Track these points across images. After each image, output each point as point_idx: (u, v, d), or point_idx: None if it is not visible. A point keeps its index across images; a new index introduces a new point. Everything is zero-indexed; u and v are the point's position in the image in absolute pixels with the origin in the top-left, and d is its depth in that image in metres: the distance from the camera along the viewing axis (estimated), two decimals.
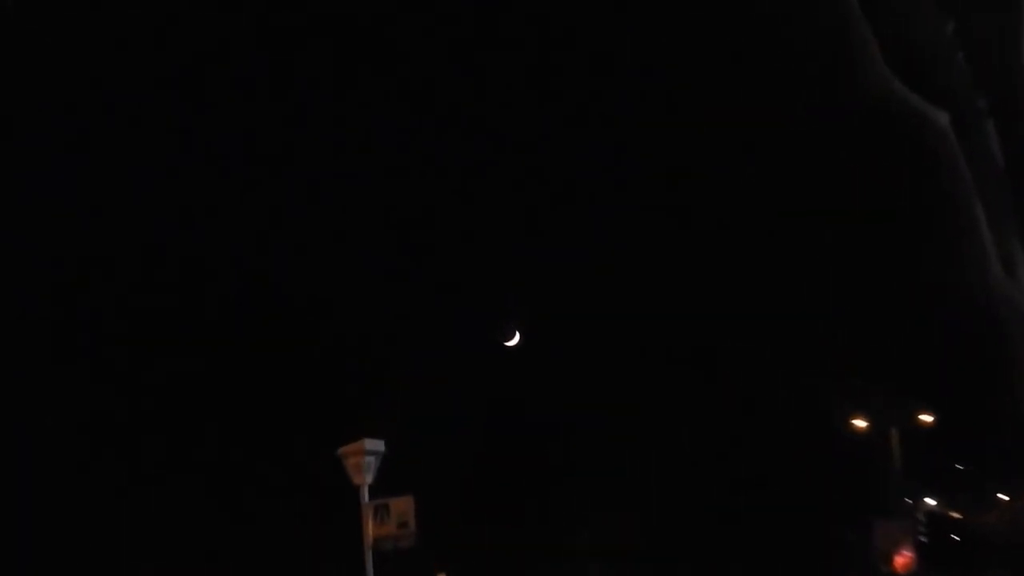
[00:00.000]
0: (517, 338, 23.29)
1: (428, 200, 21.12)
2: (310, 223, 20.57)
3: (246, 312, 20.27)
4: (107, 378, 19.69)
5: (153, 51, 19.65)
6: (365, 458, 14.33)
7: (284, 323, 20.43)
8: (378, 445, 14.54)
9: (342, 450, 14.60)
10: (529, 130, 21.03)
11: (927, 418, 26.35)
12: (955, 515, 29.99)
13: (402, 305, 21.02)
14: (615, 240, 22.36)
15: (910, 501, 28.27)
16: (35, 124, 19.22)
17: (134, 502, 19.35)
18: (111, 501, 19.22)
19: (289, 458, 19.55)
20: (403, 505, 14.27)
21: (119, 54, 19.29)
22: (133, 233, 19.68)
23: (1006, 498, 29.15)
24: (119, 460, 19.66)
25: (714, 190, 21.99)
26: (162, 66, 19.70)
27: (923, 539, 27.31)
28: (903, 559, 25.14)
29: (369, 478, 14.41)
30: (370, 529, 14.30)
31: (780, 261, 22.74)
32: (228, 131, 19.87)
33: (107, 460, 19.59)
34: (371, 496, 14.45)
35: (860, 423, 27.30)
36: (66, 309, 19.63)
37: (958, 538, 29.62)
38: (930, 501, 29.45)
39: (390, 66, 20.17)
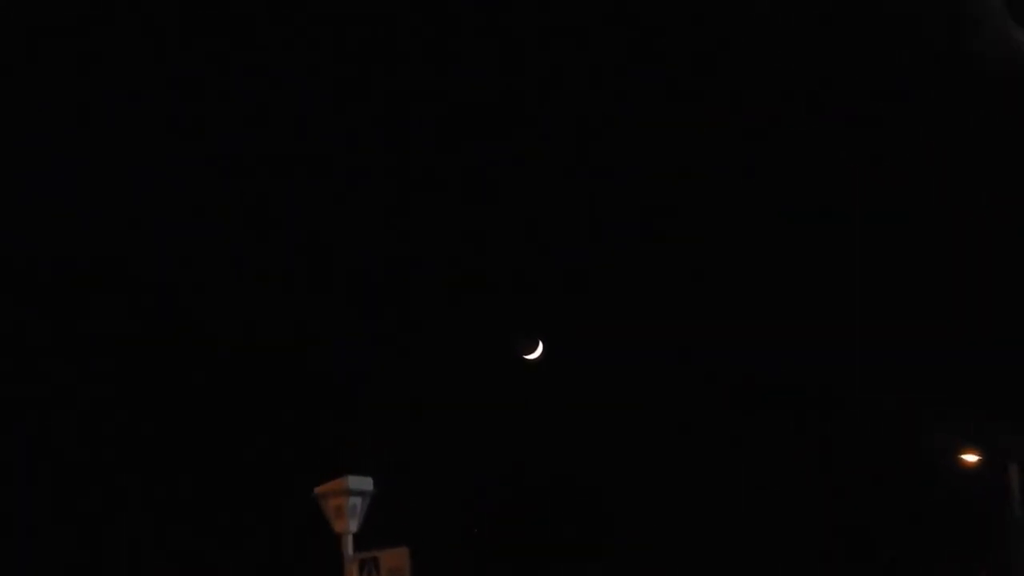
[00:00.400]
0: (540, 350, 21.59)
1: (436, 200, 20.43)
2: (306, 227, 19.89)
3: (228, 317, 19.50)
4: (71, 399, 19.46)
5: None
6: (349, 499, 12.72)
7: (266, 330, 19.56)
8: (365, 483, 12.94)
9: (319, 489, 12.95)
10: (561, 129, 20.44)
11: None
12: None
13: (400, 313, 20.07)
14: (663, 241, 21.26)
15: None
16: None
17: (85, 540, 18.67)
18: (65, 539, 18.48)
19: (258, 498, 18.51)
20: (396, 559, 12.48)
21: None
22: (96, 244, 19.39)
23: None
24: (72, 495, 19.01)
25: (793, 171, 20.70)
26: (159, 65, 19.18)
27: None
28: None
29: (354, 525, 12.82)
30: None
31: (865, 259, 21.34)
32: (220, 131, 19.63)
33: (59, 492, 19.18)
34: (356, 547, 12.81)
35: (971, 458, 24.35)
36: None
37: None
38: None
39: (393, 66, 19.59)
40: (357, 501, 12.88)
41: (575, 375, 21.18)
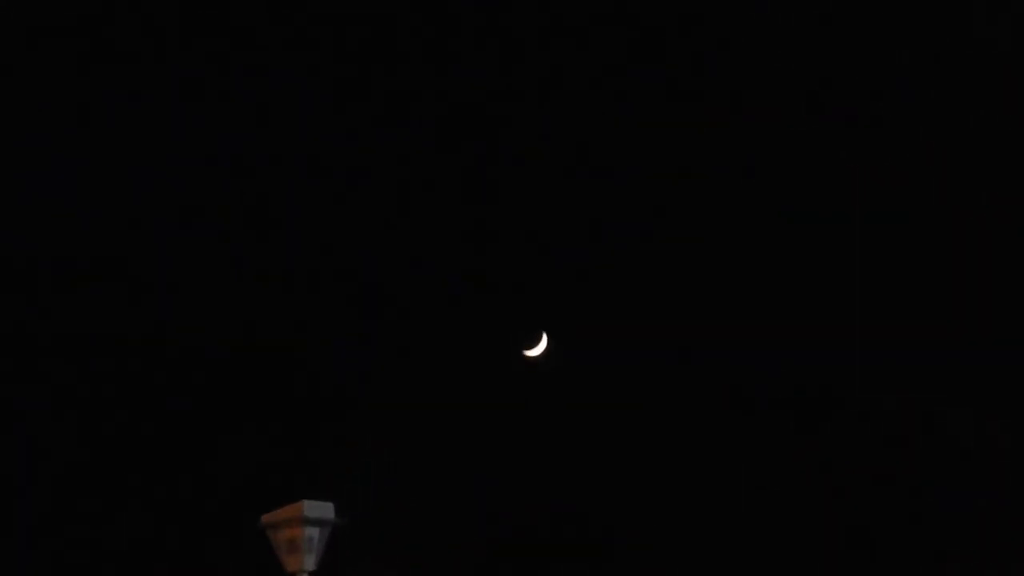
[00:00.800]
0: (543, 345, 20.10)
1: (436, 200, 20.52)
2: (306, 227, 19.89)
3: (227, 317, 19.49)
4: (72, 399, 19.28)
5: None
6: (305, 531, 10.46)
7: (265, 330, 19.53)
8: (325, 510, 10.73)
9: (268, 518, 10.75)
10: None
11: None
12: None
13: (400, 315, 20.00)
14: (663, 241, 21.16)
15: None
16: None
17: None
18: None
19: (258, 498, 17.84)
20: None
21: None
22: (96, 244, 19.30)
23: None
24: (72, 495, 19.07)
25: (793, 171, 20.48)
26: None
27: None
28: None
29: (311, 562, 10.51)
30: None
31: (865, 259, 21.15)
32: (220, 131, 19.67)
33: (59, 492, 19.05)
34: None
35: None
36: None
37: None
38: None
39: (393, 66, 19.73)
40: (315, 532, 10.62)
41: (576, 375, 21.10)
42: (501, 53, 20.36)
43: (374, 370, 20.32)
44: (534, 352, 20.33)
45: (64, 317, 19.51)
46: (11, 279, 19.05)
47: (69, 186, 19.33)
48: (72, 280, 19.40)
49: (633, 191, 21.26)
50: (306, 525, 10.54)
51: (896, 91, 20.75)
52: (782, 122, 20.74)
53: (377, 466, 19.35)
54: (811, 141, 20.89)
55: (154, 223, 19.79)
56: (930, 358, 21.61)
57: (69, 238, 19.43)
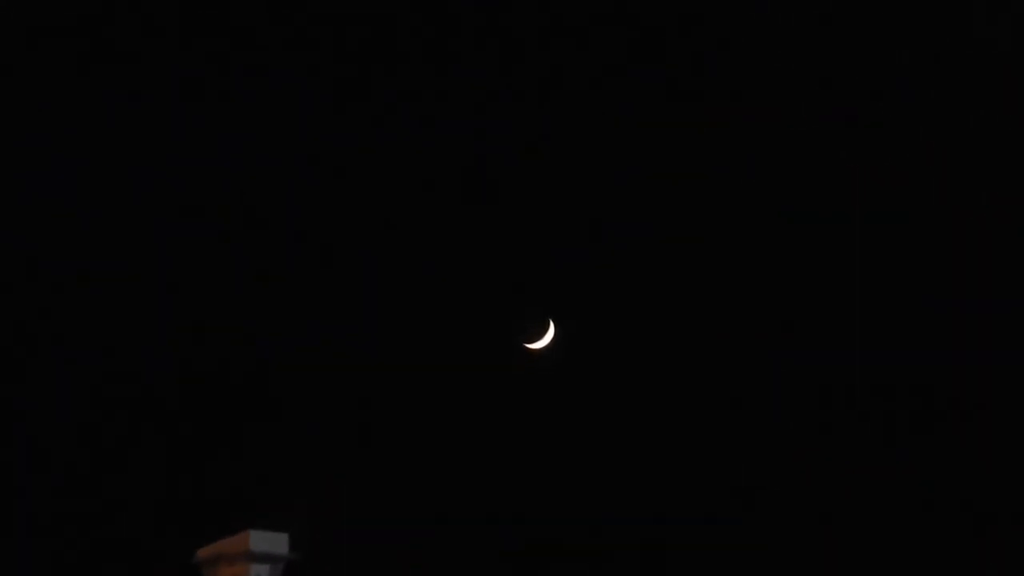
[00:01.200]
0: (549, 337, 19.28)
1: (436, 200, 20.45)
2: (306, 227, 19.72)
3: (227, 317, 19.44)
4: (71, 399, 19.28)
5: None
6: (252, 569, 9.16)
7: (265, 331, 19.52)
8: (277, 543, 9.39)
9: (205, 552, 9.69)
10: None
11: None
12: None
13: (400, 313, 20.03)
14: (663, 241, 21.15)
15: None
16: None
17: None
18: None
19: (259, 499, 17.48)
20: None
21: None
22: (97, 245, 19.35)
23: None
24: (72, 494, 19.09)
25: (793, 171, 20.42)
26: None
27: None
28: None
29: None
30: None
31: (865, 259, 21.19)
32: (220, 131, 19.70)
33: (59, 492, 19.02)
34: None
35: None
36: None
37: None
38: None
39: (393, 66, 19.80)
40: (263, 570, 9.30)
41: (576, 374, 21.15)
42: (501, 53, 20.35)
43: (373, 369, 20.34)
44: (540, 344, 19.84)
45: (64, 317, 19.49)
46: (11, 279, 19.05)
47: (69, 186, 19.33)
48: (72, 280, 19.39)
49: (633, 191, 21.26)
50: (252, 561, 9.22)
51: (896, 91, 20.71)
52: (782, 122, 20.71)
53: (376, 465, 19.42)
54: (811, 141, 20.87)
55: (154, 223, 19.78)
56: (930, 358, 21.62)
57: (69, 238, 19.43)
